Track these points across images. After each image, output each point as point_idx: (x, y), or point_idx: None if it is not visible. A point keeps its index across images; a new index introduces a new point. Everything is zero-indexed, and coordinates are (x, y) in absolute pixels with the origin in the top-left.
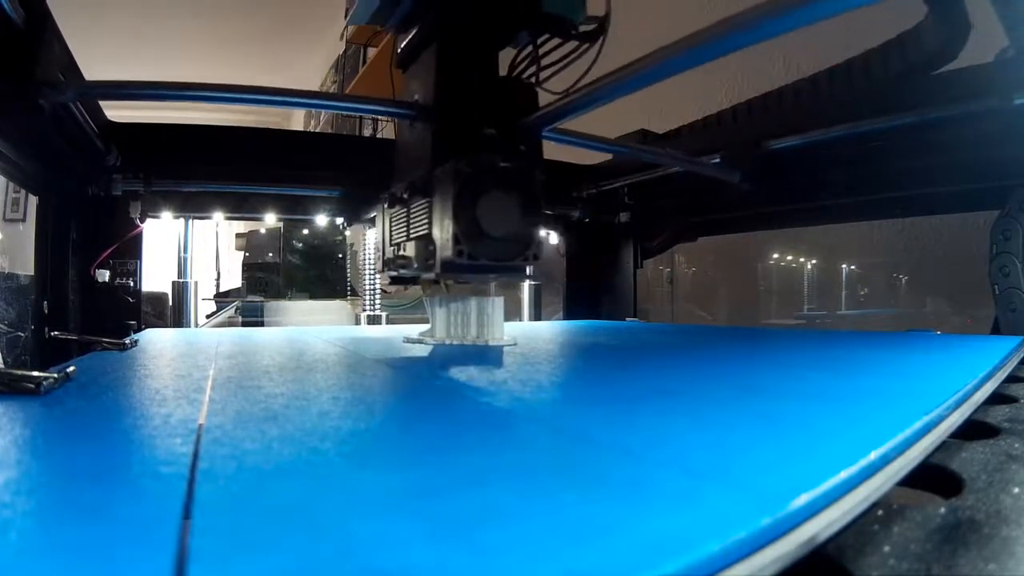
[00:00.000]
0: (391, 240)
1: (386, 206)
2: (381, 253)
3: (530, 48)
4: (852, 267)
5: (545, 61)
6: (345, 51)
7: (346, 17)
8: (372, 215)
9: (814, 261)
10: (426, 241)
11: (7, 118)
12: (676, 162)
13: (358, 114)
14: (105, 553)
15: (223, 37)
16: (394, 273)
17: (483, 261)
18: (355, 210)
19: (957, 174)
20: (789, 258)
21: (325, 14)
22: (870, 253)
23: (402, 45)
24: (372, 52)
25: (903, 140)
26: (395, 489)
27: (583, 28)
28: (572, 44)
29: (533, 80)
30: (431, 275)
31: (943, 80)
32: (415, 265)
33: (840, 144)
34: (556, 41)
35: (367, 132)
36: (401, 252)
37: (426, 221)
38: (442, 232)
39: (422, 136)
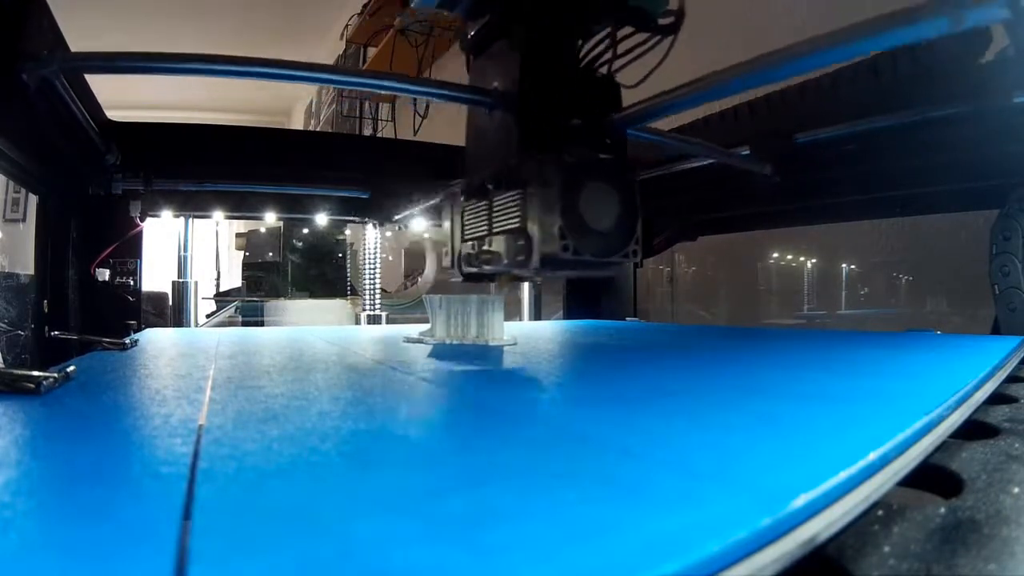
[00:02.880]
0: (465, 235)
1: (460, 199)
2: (450, 249)
3: (602, 38)
4: (852, 267)
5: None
6: (345, 51)
7: (410, 3)
8: (405, 214)
9: (814, 260)
10: (518, 235)
11: None
12: (710, 153)
13: (429, 99)
14: (105, 553)
15: (223, 37)
16: (473, 270)
17: (587, 256)
18: (385, 211)
19: (957, 173)
20: (789, 257)
21: (325, 14)
22: (870, 253)
23: (474, 30)
24: (372, 52)
25: (903, 139)
26: (395, 489)
27: (661, 21)
28: (642, 36)
29: (606, 71)
30: (527, 272)
31: (943, 79)
32: (504, 261)
33: (840, 143)
34: (627, 31)
35: (367, 132)
36: (486, 247)
37: (517, 214)
38: (543, 226)
39: (504, 125)
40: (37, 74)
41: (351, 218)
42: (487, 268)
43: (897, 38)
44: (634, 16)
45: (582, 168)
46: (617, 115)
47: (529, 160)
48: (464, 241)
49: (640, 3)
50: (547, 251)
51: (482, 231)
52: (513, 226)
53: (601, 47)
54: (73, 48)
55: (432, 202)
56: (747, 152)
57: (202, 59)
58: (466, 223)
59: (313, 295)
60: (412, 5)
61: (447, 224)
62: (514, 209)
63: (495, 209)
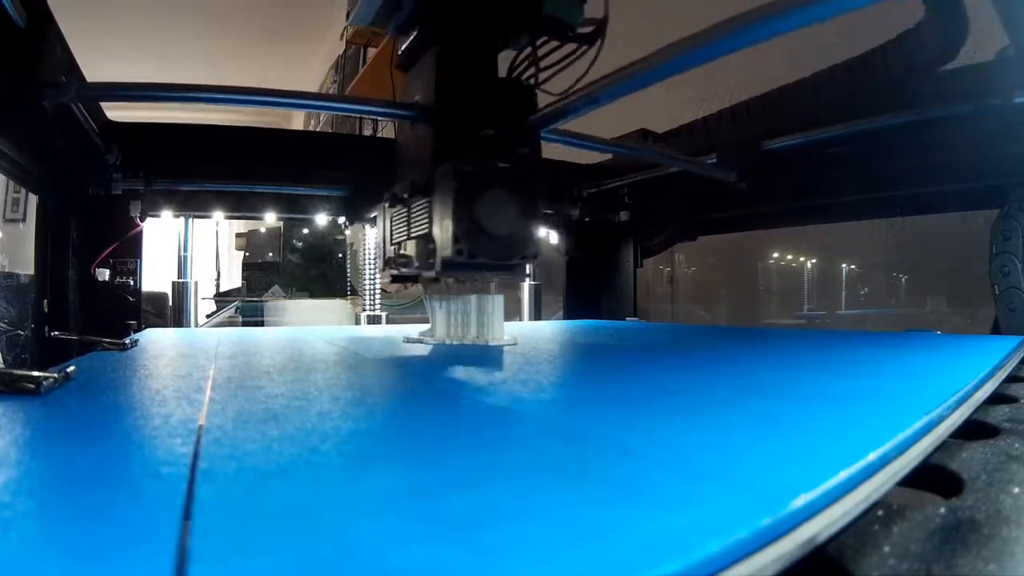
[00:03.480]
0: (392, 239)
1: (387, 205)
2: (382, 252)
3: (528, 50)
4: (852, 267)
5: (544, 63)
6: (345, 51)
7: (347, 18)
8: (374, 214)
9: (814, 260)
10: (426, 240)
11: (9, 118)
12: (673, 162)
13: (359, 115)
14: (106, 553)
15: (223, 37)
16: (395, 272)
17: (482, 259)
18: (357, 209)
19: (957, 173)
20: (789, 257)
21: (325, 14)
22: (870, 253)
23: (403, 47)
24: (372, 52)
25: (903, 139)
26: (395, 489)
27: (581, 30)
28: (571, 46)
29: (532, 82)
30: (432, 274)
31: (943, 79)
32: (416, 264)
33: (839, 143)
34: (555, 43)
35: (367, 132)
36: (402, 251)
37: (426, 220)
38: (442, 231)
39: (423, 137)
40: (56, 101)
41: (340, 218)
42: (404, 270)
43: (846, 4)
44: (550, 26)
45: (478, 176)
46: (529, 119)
47: (436, 169)
48: (391, 244)
49: (556, 13)
50: (445, 255)
51: (402, 236)
52: (423, 232)
53: (527, 60)
54: (73, 47)
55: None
56: (714, 160)
57: (209, 89)
58: (393, 228)
59: (313, 295)
60: (348, 23)
61: (378, 229)
62: (423, 216)
63: (412, 216)
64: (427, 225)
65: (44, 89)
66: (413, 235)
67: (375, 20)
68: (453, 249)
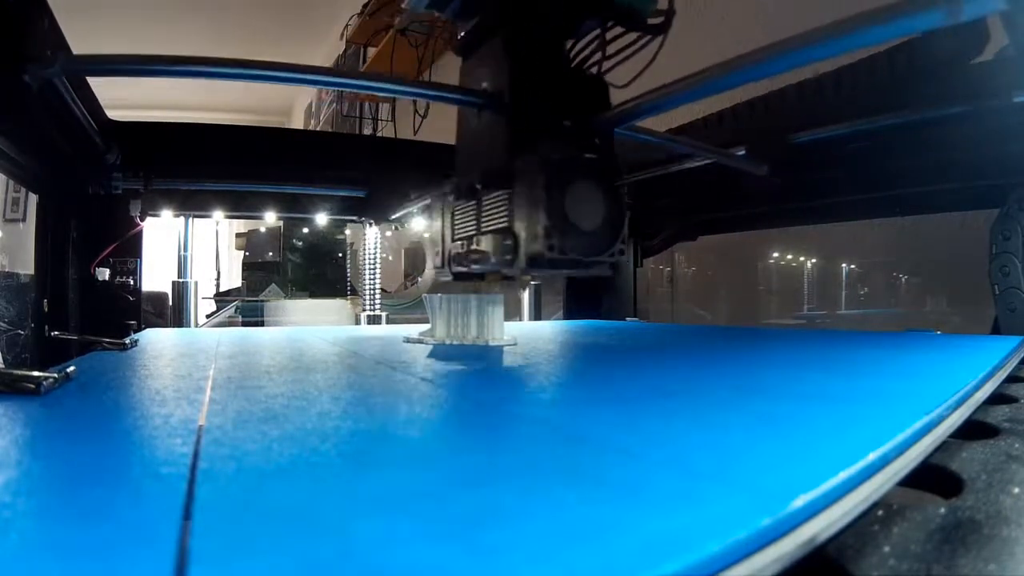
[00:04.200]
0: (454, 235)
1: (451, 199)
2: (440, 249)
3: (592, 38)
4: (852, 267)
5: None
6: (345, 51)
7: (403, 3)
8: (400, 214)
9: (814, 260)
10: (504, 235)
11: None
12: (706, 153)
13: (420, 99)
14: (105, 554)
15: (223, 37)
16: (462, 269)
17: (573, 256)
18: (382, 210)
19: (957, 173)
20: (789, 257)
21: (325, 14)
22: (870, 253)
23: (464, 31)
24: (372, 52)
25: (903, 138)
26: (395, 489)
27: (650, 21)
28: (633, 36)
29: (596, 71)
30: (513, 271)
31: (943, 79)
32: (492, 260)
33: (839, 142)
34: (618, 32)
35: (367, 131)
36: (475, 246)
37: (505, 214)
38: (528, 225)
39: (494, 125)
40: (40, 76)
41: (350, 218)
42: (475, 268)
43: (891, 31)
44: (623, 15)
45: (567, 167)
46: (605, 115)
47: (516, 160)
48: (454, 240)
49: (629, 2)
50: (533, 251)
51: (471, 231)
52: (500, 226)
53: (591, 47)
54: (73, 46)
55: (426, 201)
56: (743, 152)
57: (203, 62)
58: (456, 223)
59: (313, 295)
60: (404, 5)
61: (437, 224)
62: (500, 209)
63: (484, 209)
64: (506, 219)
65: (27, 65)
66: (486, 230)
67: (433, 3)
68: (544, 245)
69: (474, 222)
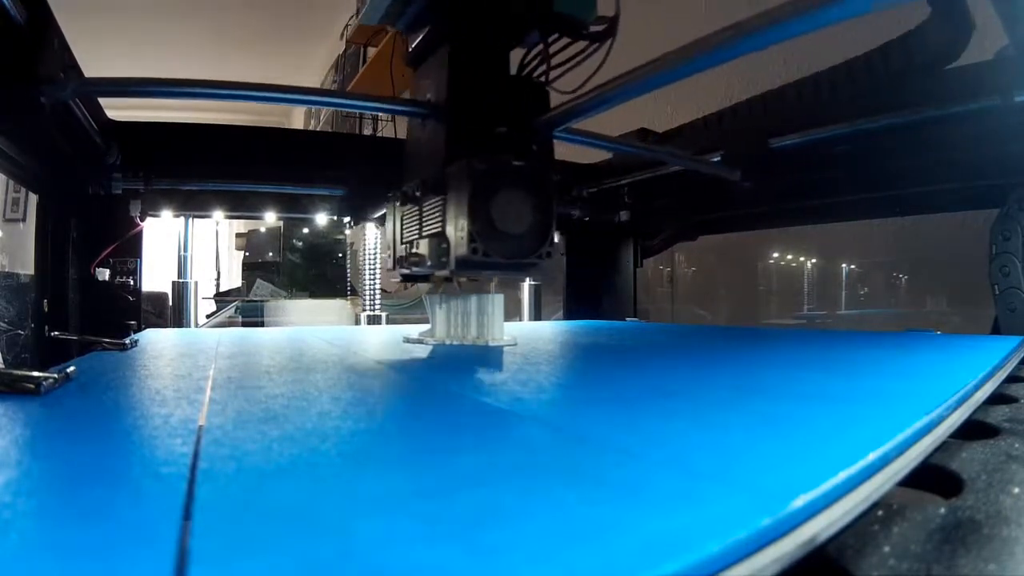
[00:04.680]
0: (402, 238)
1: (398, 204)
2: (392, 251)
3: (540, 48)
4: (852, 267)
5: (554, 61)
6: (345, 51)
7: (357, 16)
8: (379, 214)
9: (814, 260)
10: (439, 239)
11: (8, 115)
12: (677, 160)
13: (368, 112)
14: (106, 554)
15: (223, 37)
16: (406, 271)
17: (497, 259)
18: (361, 209)
19: (957, 173)
20: (789, 257)
21: (325, 14)
22: (870, 253)
23: (413, 44)
24: (372, 52)
25: (902, 138)
26: (395, 489)
27: (593, 28)
28: (581, 44)
29: (543, 79)
30: (445, 272)
31: (943, 78)
32: (428, 263)
33: (839, 142)
34: (566, 41)
35: (367, 131)
36: (414, 250)
37: (439, 219)
38: (456, 230)
39: (434, 134)
40: (54, 96)
41: (348, 218)
42: (416, 269)
43: (819, 20)
44: (563, 24)
45: (493, 174)
46: (541, 118)
47: (448, 167)
48: (401, 244)
49: (569, 11)
50: (460, 254)
51: (414, 235)
52: (436, 230)
53: (538, 57)
54: (73, 46)
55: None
56: (718, 158)
57: (210, 84)
58: (404, 227)
59: (313, 295)
60: (358, 20)
61: (388, 227)
62: (436, 214)
63: (424, 214)
64: (440, 224)
65: (42, 86)
66: (425, 234)
67: (384, 17)
68: (468, 248)
69: (417, 226)
